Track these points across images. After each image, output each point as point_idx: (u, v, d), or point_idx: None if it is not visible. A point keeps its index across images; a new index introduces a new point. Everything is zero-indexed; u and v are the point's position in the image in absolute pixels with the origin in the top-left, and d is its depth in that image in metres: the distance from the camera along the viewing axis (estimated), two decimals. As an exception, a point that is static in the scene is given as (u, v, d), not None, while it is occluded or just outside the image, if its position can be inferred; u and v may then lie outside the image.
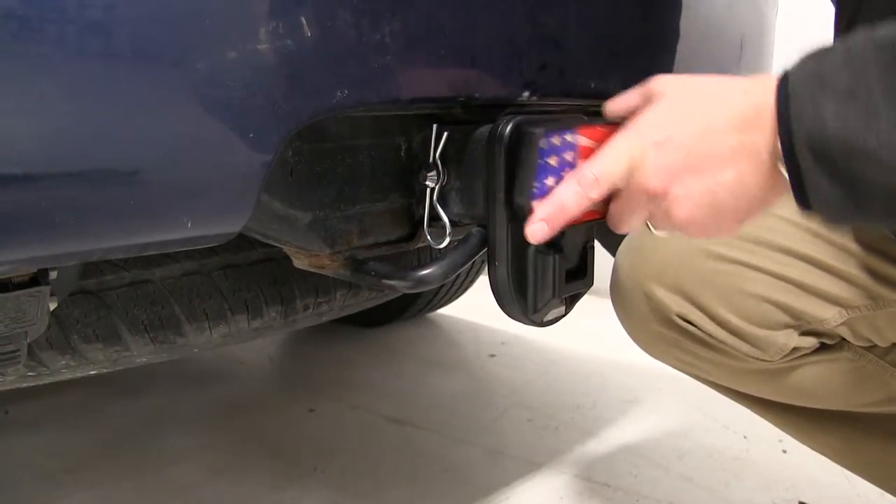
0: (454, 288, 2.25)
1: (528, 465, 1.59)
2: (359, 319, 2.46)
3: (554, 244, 0.76)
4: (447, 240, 0.79)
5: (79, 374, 0.96)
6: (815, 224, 0.96)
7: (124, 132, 0.53)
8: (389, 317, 2.44)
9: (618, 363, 2.14)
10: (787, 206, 0.97)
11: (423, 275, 0.77)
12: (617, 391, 1.99)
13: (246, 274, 0.98)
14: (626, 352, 1.18)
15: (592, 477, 1.54)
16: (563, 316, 0.80)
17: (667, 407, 1.87)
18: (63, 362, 0.90)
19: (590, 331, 2.21)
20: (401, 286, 0.77)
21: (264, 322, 1.01)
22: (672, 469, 1.57)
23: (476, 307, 2.49)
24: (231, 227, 0.62)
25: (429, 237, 0.81)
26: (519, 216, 0.72)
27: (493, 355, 2.26)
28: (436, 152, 0.79)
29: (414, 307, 2.34)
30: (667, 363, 1.09)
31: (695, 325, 0.98)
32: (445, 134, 0.79)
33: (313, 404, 1.91)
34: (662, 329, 1.01)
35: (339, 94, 0.63)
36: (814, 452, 1.17)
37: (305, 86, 0.61)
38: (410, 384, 2.06)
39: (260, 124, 0.59)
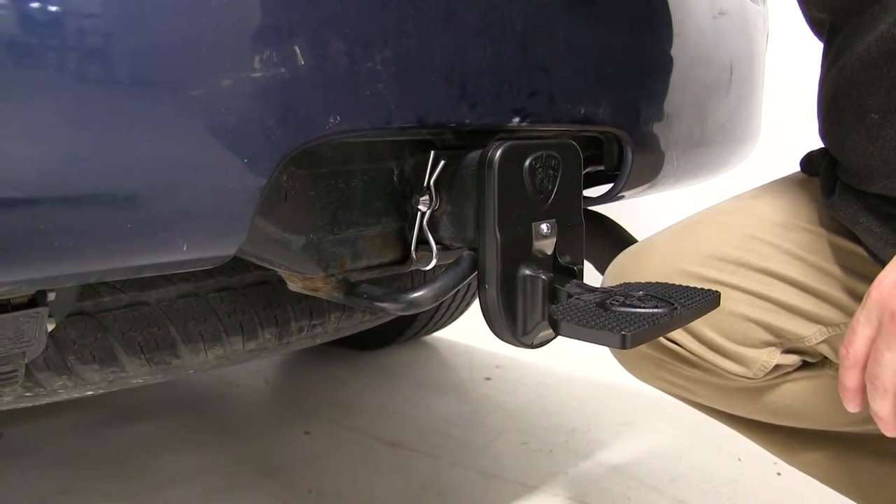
0: (450, 311, 2.26)
1: (523, 489, 1.59)
2: (355, 343, 2.47)
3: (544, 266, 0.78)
4: (434, 262, 0.80)
5: (75, 395, 0.97)
6: (794, 246, 0.98)
7: (121, 157, 0.55)
8: (385, 340, 2.44)
9: (612, 387, 2.15)
10: (766, 228, 1.00)
11: (415, 297, 0.78)
12: (611, 414, 1.99)
13: (241, 296, 0.99)
14: (620, 375, 1.18)
15: (586, 500, 1.54)
16: (554, 338, 0.82)
17: (661, 430, 1.88)
18: (60, 383, 0.91)
19: (585, 354, 2.21)
20: (393, 308, 0.78)
21: (259, 344, 1.02)
22: (666, 492, 1.57)
23: (471, 331, 2.50)
24: (226, 250, 0.63)
25: (416, 260, 0.82)
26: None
27: (488, 378, 2.27)
28: (431, 178, 0.81)
29: (409, 330, 2.34)
30: (653, 385, 1.10)
31: (678, 345, 0.99)
32: (442, 162, 0.80)
33: (308, 427, 1.91)
34: (648, 350, 1.02)
35: (332, 120, 0.65)
36: (808, 475, 1.17)
37: (299, 113, 0.63)
38: (405, 407, 2.06)
39: (254, 150, 0.61)
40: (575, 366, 2.30)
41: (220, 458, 1.74)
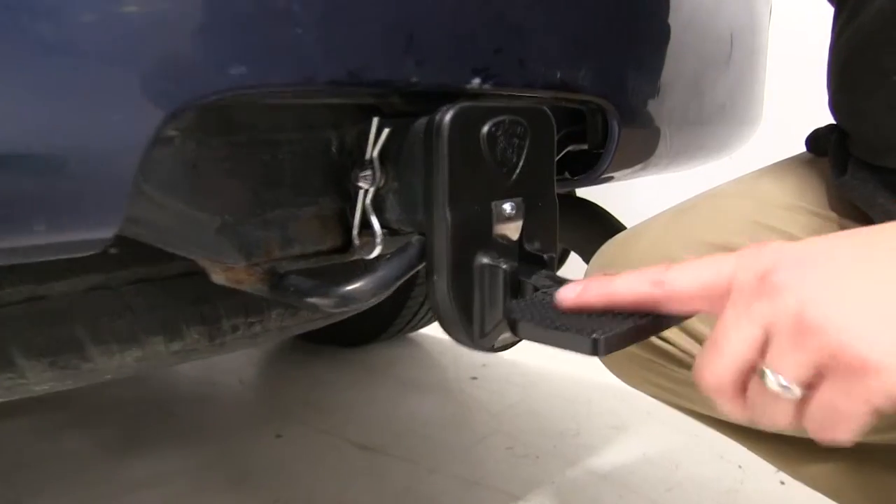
0: (436, 306, 2.15)
1: (505, 497, 1.49)
2: (337, 339, 2.37)
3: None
4: (378, 249, 0.68)
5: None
6: (800, 232, 0.89)
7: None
8: (369, 336, 2.35)
9: (604, 387, 2.03)
10: (769, 212, 0.90)
11: (349, 291, 0.65)
12: (603, 417, 1.89)
13: (162, 290, 0.86)
14: (613, 375, 1.09)
15: (574, 511, 1.44)
16: (518, 341, 0.69)
17: (656, 434, 1.77)
18: (-57, 390, 0.79)
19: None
20: (323, 304, 0.66)
21: (186, 344, 0.89)
22: (661, 502, 1.47)
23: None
24: (101, 232, 0.51)
25: (358, 247, 0.70)
26: None
27: (474, 378, 2.16)
28: (374, 149, 0.68)
29: (393, 326, 2.24)
30: (642, 390, 1.02)
31: (671, 344, 0.91)
32: (387, 130, 0.68)
33: (281, 429, 1.80)
34: (636, 350, 0.94)
35: (233, 72, 0.52)
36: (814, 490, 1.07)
37: (189, 59, 0.50)
38: (385, 408, 1.96)
39: (129, 103, 0.48)
40: (566, 365, 2.18)
41: (186, 463, 1.63)
